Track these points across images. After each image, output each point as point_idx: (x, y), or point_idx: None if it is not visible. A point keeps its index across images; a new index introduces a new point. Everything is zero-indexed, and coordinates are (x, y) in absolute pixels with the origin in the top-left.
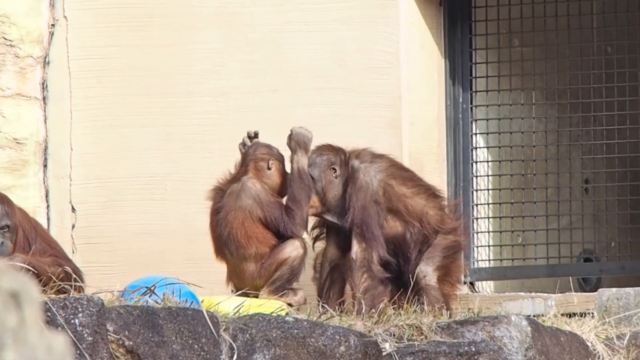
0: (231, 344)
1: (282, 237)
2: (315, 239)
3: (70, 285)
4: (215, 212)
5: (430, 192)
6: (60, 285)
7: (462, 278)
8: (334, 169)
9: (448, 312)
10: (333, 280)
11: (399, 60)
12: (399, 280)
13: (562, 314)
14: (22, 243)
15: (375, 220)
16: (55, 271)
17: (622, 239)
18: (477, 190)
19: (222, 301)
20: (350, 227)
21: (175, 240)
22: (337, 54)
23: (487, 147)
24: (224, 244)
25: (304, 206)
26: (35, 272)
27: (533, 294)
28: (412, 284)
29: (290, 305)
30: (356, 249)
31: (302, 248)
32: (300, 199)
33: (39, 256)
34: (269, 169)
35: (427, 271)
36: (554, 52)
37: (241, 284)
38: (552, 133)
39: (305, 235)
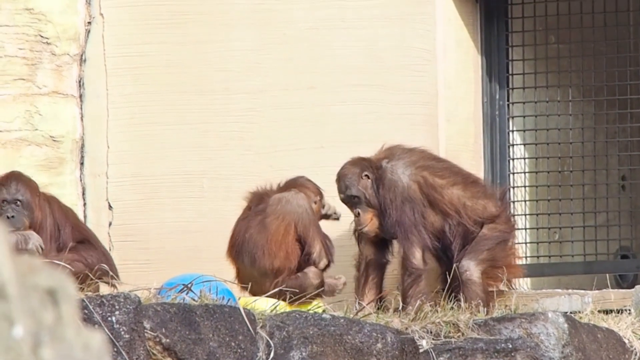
0: (268, 341)
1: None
2: (358, 239)
3: (93, 278)
4: (253, 215)
5: (469, 181)
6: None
7: (514, 263)
8: (366, 175)
9: (486, 308)
10: (367, 276)
11: (436, 57)
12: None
13: (599, 311)
14: (51, 230)
15: (411, 218)
16: (75, 267)
17: None
18: (514, 187)
19: (259, 298)
20: (392, 229)
21: (212, 237)
22: (374, 51)
23: (524, 144)
24: (246, 249)
25: (331, 248)
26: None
27: (570, 290)
28: (449, 280)
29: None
30: (398, 249)
31: (319, 279)
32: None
33: (57, 252)
34: (314, 203)
35: (469, 266)
36: (590, 49)
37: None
38: (589, 130)
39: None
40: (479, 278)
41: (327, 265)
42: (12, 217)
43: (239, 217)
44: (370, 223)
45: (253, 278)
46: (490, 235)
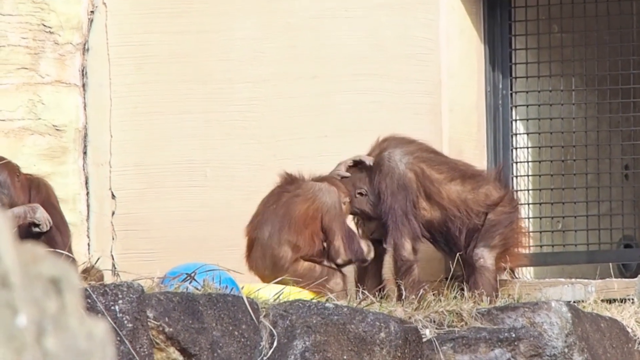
0: (271, 330)
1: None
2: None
3: None
4: (282, 191)
5: (467, 174)
6: None
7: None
8: (360, 193)
9: (497, 295)
10: (378, 270)
11: (439, 46)
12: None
13: (602, 300)
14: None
15: (403, 206)
16: None
17: None
18: (516, 177)
19: (262, 287)
20: (384, 216)
21: (215, 226)
22: (377, 41)
23: (527, 134)
24: (269, 219)
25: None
26: None
27: (573, 280)
28: (452, 269)
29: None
30: (388, 240)
31: (342, 280)
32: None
33: None
34: (343, 203)
35: (482, 253)
36: (593, 38)
37: (268, 270)
38: (592, 119)
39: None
40: (492, 265)
41: (347, 263)
42: None
43: (265, 196)
44: (377, 231)
45: (269, 250)
46: (498, 219)
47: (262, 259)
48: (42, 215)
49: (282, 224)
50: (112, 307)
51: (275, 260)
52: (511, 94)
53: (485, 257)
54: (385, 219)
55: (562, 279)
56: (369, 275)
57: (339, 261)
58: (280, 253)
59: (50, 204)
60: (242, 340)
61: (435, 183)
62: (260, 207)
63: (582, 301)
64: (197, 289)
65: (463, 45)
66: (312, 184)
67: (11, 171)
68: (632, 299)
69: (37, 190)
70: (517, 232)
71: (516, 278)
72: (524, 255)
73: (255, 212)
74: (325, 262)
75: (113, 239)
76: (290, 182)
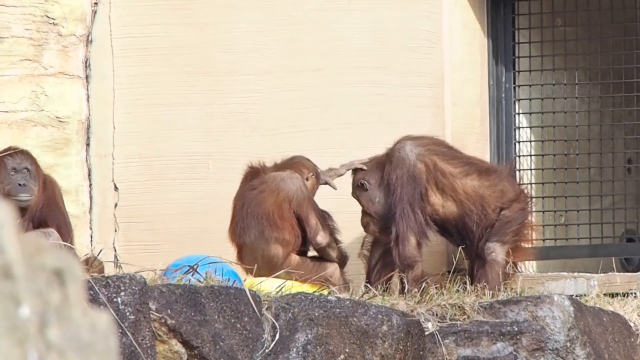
0: (273, 323)
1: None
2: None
3: None
4: (248, 189)
5: (482, 170)
6: None
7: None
8: (362, 184)
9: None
10: (386, 264)
11: (442, 39)
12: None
13: (604, 294)
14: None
15: (411, 198)
16: None
17: None
18: (519, 170)
19: (265, 280)
20: (393, 208)
21: (218, 218)
22: (380, 33)
23: (530, 127)
24: (250, 223)
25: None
26: None
27: (576, 274)
28: (454, 263)
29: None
30: (392, 229)
31: (336, 268)
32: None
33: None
34: (306, 179)
35: (495, 247)
36: (597, 31)
37: (264, 270)
38: (595, 113)
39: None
40: (503, 259)
41: (329, 243)
42: (24, 185)
43: (236, 194)
44: (367, 227)
45: (260, 251)
46: (513, 216)
47: (255, 260)
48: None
49: (262, 223)
50: (115, 299)
51: (268, 260)
52: (514, 88)
53: (497, 251)
54: (392, 211)
55: (565, 273)
56: (385, 272)
57: (319, 239)
58: (271, 252)
59: (55, 203)
60: (245, 332)
61: (448, 176)
62: (234, 211)
63: (585, 295)
64: (200, 281)
65: (466, 38)
66: (274, 175)
67: (37, 164)
68: (635, 293)
69: (44, 186)
70: (528, 228)
71: (519, 272)
72: (532, 250)
73: (232, 216)
74: (310, 251)
75: (115, 230)
76: (254, 176)
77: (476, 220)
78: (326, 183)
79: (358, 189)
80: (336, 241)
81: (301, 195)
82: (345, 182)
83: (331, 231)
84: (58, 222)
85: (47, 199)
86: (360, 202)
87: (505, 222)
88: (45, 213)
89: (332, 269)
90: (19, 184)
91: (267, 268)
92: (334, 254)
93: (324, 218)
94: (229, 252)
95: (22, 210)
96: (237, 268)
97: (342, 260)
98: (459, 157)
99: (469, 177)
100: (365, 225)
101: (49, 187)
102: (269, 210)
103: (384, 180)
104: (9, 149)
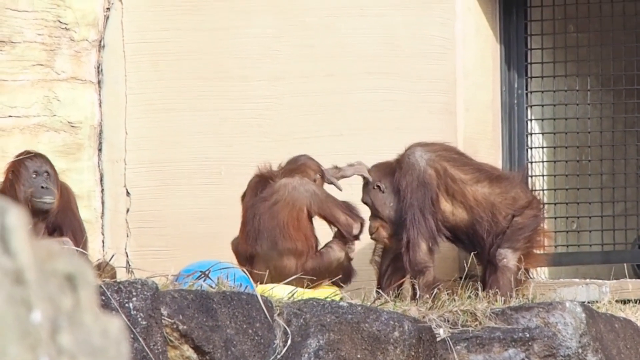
0: (285, 328)
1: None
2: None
3: None
4: (260, 200)
5: (494, 177)
6: None
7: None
8: (378, 187)
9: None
10: (396, 269)
11: (455, 45)
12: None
13: (616, 301)
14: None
15: (421, 204)
16: None
17: None
18: (531, 176)
19: (277, 286)
20: (404, 214)
21: (230, 224)
22: (393, 39)
23: (542, 133)
24: (263, 235)
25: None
26: None
27: (587, 280)
28: (466, 269)
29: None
30: (403, 235)
31: (343, 251)
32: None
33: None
34: (313, 180)
35: (506, 254)
36: (609, 38)
37: (276, 280)
38: (607, 119)
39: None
40: (514, 265)
41: (362, 227)
42: (46, 187)
43: (246, 203)
44: (376, 233)
45: (272, 262)
46: (525, 222)
47: (267, 269)
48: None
49: (275, 235)
50: (127, 305)
51: (280, 271)
52: (526, 94)
53: (509, 257)
54: (403, 217)
55: (577, 279)
56: (396, 277)
57: (355, 231)
58: (283, 264)
59: (70, 209)
60: (256, 338)
61: (458, 182)
62: (245, 220)
63: (597, 301)
64: (212, 286)
65: (479, 44)
66: (284, 184)
67: (52, 166)
68: None
69: (60, 193)
70: (540, 234)
71: (531, 278)
72: (544, 256)
73: (242, 225)
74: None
75: (127, 236)
76: (263, 183)
77: (487, 227)
78: (331, 183)
79: (373, 192)
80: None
81: (318, 198)
82: (352, 186)
83: (361, 218)
84: (73, 228)
85: (63, 205)
86: (373, 206)
87: (518, 229)
88: (60, 219)
89: (338, 253)
90: (42, 187)
91: (280, 279)
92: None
93: (349, 208)
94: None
95: (43, 213)
96: (249, 274)
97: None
98: (470, 164)
99: (480, 184)
100: (374, 231)
101: (64, 193)
102: (283, 222)
103: (394, 186)
104: (26, 152)
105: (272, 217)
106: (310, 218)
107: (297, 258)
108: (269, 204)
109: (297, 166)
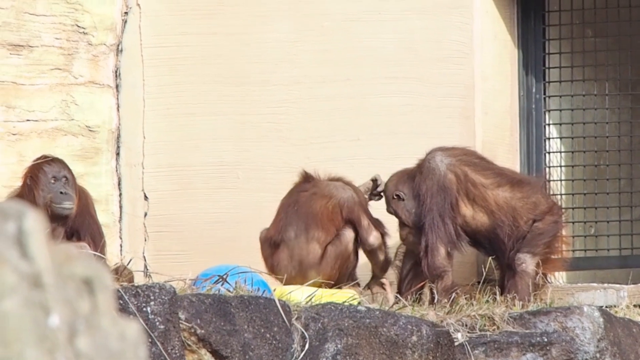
0: (303, 333)
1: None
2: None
3: None
4: (299, 191)
5: (515, 181)
6: None
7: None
8: (397, 196)
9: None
10: (417, 274)
11: (473, 50)
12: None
13: (634, 305)
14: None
15: (441, 209)
16: None
17: None
18: (549, 181)
19: (294, 290)
20: (422, 218)
21: (247, 228)
22: (411, 44)
23: (560, 138)
24: (295, 221)
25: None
26: None
27: (605, 284)
28: (484, 274)
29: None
30: (422, 240)
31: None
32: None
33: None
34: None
35: (525, 258)
36: (627, 42)
37: (294, 271)
38: (625, 124)
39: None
40: (533, 270)
41: (381, 240)
42: (66, 193)
43: (284, 197)
44: (406, 240)
45: (296, 249)
46: (545, 228)
47: (289, 259)
48: None
49: (307, 222)
50: (144, 309)
51: (302, 259)
52: (544, 98)
53: (528, 262)
54: (422, 221)
55: (595, 284)
56: (416, 282)
57: (372, 240)
58: (309, 250)
59: (88, 214)
60: (274, 342)
61: (479, 187)
62: (281, 209)
63: (615, 306)
64: (229, 291)
65: (496, 49)
66: (327, 182)
67: (70, 171)
68: None
69: (78, 197)
70: (560, 240)
71: (549, 283)
72: (562, 262)
73: (276, 215)
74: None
75: (145, 240)
76: (307, 181)
77: (507, 232)
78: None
79: (394, 201)
80: (385, 245)
81: (352, 201)
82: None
83: (383, 233)
84: (91, 233)
85: (81, 209)
86: (397, 215)
87: (537, 234)
88: (78, 223)
89: (349, 236)
90: (61, 192)
91: (299, 268)
92: (382, 257)
93: (377, 221)
94: (259, 262)
95: (62, 219)
96: (266, 278)
97: (385, 265)
98: (490, 168)
99: (501, 189)
100: (404, 238)
101: (82, 197)
102: (318, 211)
103: (415, 191)
104: (44, 157)
105: (308, 205)
106: (342, 216)
107: (322, 247)
108: (308, 194)
109: (345, 180)
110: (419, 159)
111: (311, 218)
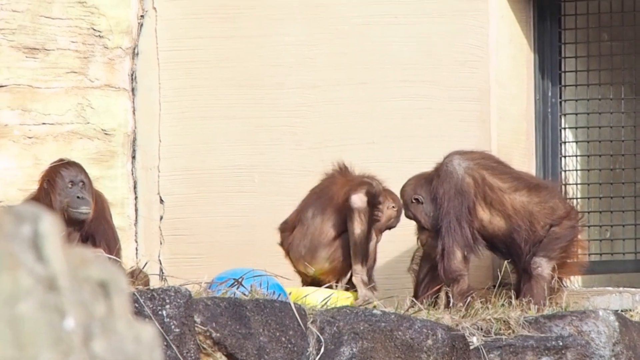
0: (318, 336)
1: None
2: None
3: None
4: (327, 178)
5: (532, 185)
6: None
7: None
8: (416, 199)
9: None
10: (434, 278)
11: (488, 53)
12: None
13: None
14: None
15: (458, 212)
16: None
17: None
18: (565, 185)
19: (310, 293)
20: (439, 221)
21: (263, 232)
22: (426, 47)
23: (576, 142)
24: (314, 202)
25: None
26: None
27: (621, 288)
28: (499, 277)
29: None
30: (438, 243)
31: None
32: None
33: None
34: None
35: (541, 262)
36: None
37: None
38: None
39: None
40: (549, 275)
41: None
42: (82, 197)
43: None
44: (426, 244)
45: (310, 231)
46: (562, 232)
47: (302, 237)
48: None
49: (325, 204)
50: (160, 312)
51: (314, 238)
52: (560, 102)
53: (544, 266)
54: (439, 225)
55: (610, 288)
56: (433, 286)
57: (355, 198)
58: (322, 229)
59: (104, 218)
60: (289, 346)
61: (497, 191)
62: (307, 195)
63: (630, 310)
64: (245, 294)
65: (512, 52)
66: (357, 175)
67: (87, 175)
68: None
69: (95, 201)
70: (576, 245)
71: (564, 287)
72: (578, 266)
73: (308, 196)
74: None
75: (161, 243)
76: (339, 172)
77: (524, 236)
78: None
79: (413, 205)
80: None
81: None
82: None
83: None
84: (107, 237)
85: (97, 214)
86: (416, 218)
87: (554, 238)
88: (94, 227)
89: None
90: (78, 197)
91: (310, 246)
92: (358, 229)
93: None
94: (274, 266)
95: (79, 223)
96: (282, 281)
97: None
98: (508, 172)
99: (518, 193)
100: (424, 243)
101: (98, 201)
102: (338, 193)
103: (432, 195)
104: (60, 160)
105: (329, 188)
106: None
107: (335, 230)
108: (328, 181)
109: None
110: (437, 163)
111: (329, 200)
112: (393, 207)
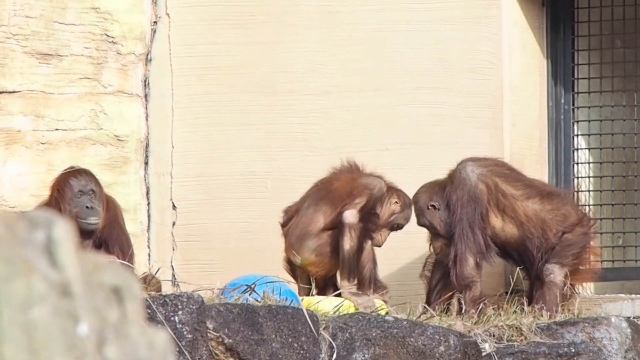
0: (331, 342)
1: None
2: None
3: None
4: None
5: (544, 193)
6: None
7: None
8: (432, 206)
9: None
10: (446, 285)
11: (501, 60)
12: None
13: None
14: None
15: (471, 219)
16: None
17: None
18: (578, 192)
19: (322, 300)
20: (452, 227)
21: (275, 238)
22: (439, 54)
23: (589, 149)
24: (313, 193)
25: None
26: None
27: (633, 295)
28: (512, 284)
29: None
30: (451, 249)
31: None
32: None
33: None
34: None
35: (554, 269)
36: None
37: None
38: None
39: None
40: (561, 281)
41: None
42: (92, 207)
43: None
44: (441, 252)
45: (301, 220)
46: (575, 239)
47: (295, 226)
48: None
49: (322, 196)
50: (172, 318)
51: (304, 226)
52: (573, 109)
53: (556, 273)
54: (452, 231)
55: (622, 295)
56: (445, 293)
57: (347, 214)
58: (312, 219)
59: (117, 224)
60: (302, 352)
61: (509, 198)
62: (313, 188)
63: None
64: (257, 300)
65: (525, 59)
66: (365, 173)
67: (98, 183)
68: None
69: (107, 207)
70: (589, 252)
71: (577, 293)
72: (590, 273)
73: (311, 190)
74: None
75: (173, 249)
76: (348, 169)
77: (537, 244)
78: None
79: (429, 211)
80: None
81: (377, 189)
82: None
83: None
84: (120, 243)
85: (110, 220)
86: (432, 225)
87: (567, 245)
88: (107, 233)
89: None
90: (87, 207)
91: (299, 235)
92: (347, 244)
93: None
94: (287, 272)
95: (89, 233)
96: (294, 288)
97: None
98: (521, 180)
99: (531, 200)
100: (438, 251)
101: (111, 207)
102: (336, 187)
103: (445, 201)
104: (71, 168)
105: (330, 182)
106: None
107: (326, 222)
108: (333, 176)
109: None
110: (450, 169)
111: (327, 193)
112: (396, 202)
